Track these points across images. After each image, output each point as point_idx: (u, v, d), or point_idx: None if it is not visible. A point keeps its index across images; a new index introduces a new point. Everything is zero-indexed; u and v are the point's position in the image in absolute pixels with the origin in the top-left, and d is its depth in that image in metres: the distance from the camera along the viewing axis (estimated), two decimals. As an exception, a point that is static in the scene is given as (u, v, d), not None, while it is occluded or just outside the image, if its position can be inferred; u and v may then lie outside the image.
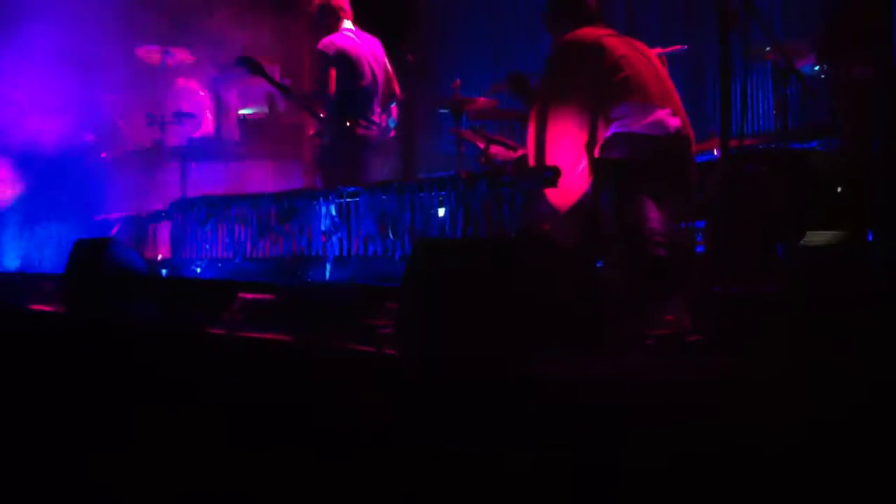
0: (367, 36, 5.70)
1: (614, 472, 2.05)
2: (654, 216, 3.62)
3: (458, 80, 5.50)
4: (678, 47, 4.71)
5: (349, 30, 5.63)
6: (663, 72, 3.96)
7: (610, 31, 4.01)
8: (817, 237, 3.39)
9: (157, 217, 5.81)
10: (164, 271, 5.22)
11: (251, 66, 5.61)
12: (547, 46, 4.30)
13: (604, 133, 3.75)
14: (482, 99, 5.53)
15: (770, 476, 1.89)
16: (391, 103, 5.80)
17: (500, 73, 5.90)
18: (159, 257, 5.56)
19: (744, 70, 4.15)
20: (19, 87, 6.98)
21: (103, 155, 7.11)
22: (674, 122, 3.76)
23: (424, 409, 2.47)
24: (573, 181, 3.79)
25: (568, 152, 3.82)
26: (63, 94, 7.10)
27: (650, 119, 3.72)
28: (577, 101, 3.82)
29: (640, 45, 4.01)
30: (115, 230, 5.85)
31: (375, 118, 5.66)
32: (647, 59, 3.92)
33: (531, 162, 4.02)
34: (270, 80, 5.69)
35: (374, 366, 2.82)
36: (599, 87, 3.78)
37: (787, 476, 1.88)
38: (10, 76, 6.96)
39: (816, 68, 4.77)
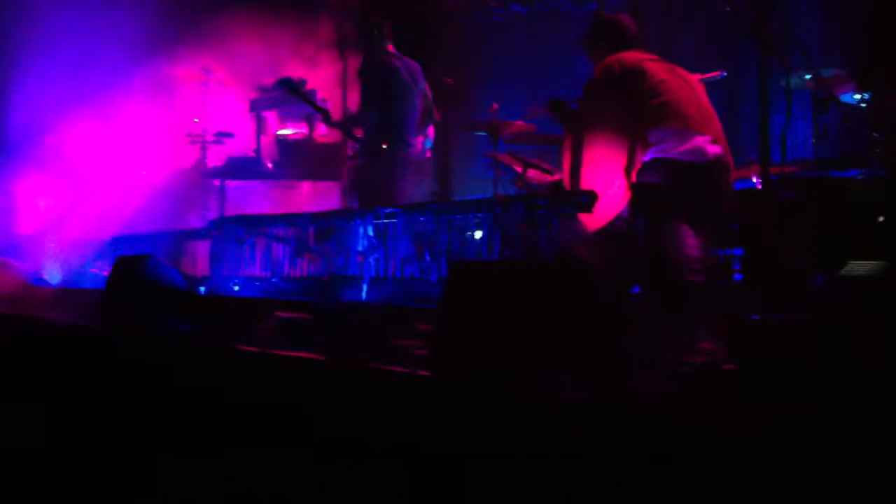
0: (407, 59, 5.75)
1: (639, 488, 2.04)
2: (691, 243, 3.60)
3: (496, 105, 5.53)
4: (716, 73, 4.70)
5: (392, 52, 5.70)
6: (704, 98, 3.94)
7: (651, 56, 4.00)
8: (857, 267, 3.36)
9: (196, 235, 5.88)
10: (202, 289, 5.28)
11: (291, 88, 5.69)
12: (584, 71, 4.30)
13: (641, 157, 3.74)
14: (519, 122, 5.55)
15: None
16: (428, 125, 5.84)
17: (536, 97, 5.92)
18: (197, 275, 5.62)
19: (783, 97, 4.13)
20: (64, 106, 7.11)
21: (143, 172, 7.22)
22: (713, 150, 3.74)
23: (457, 431, 2.47)
24: (605, 203, 3.79)
25: (603, 174, 3.81)
26: (107, 112, 7.22)
27: (689, 145, 3.71)
28: (616, 123, 3.81)
29: (682, 70, 4.00)
30: (154, 247, 5.92)
31: (412, 140, 5.70)
32: (688, 85, 3.91)
33: (566, 183, 4.02)
34: (309, 102, 5.76)
35: (408, 387, 2.82)
36: (638, 111, 3.76)
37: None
38: (54, 95, 7.08)
39: (856, 97, 4.73)
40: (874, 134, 4.51)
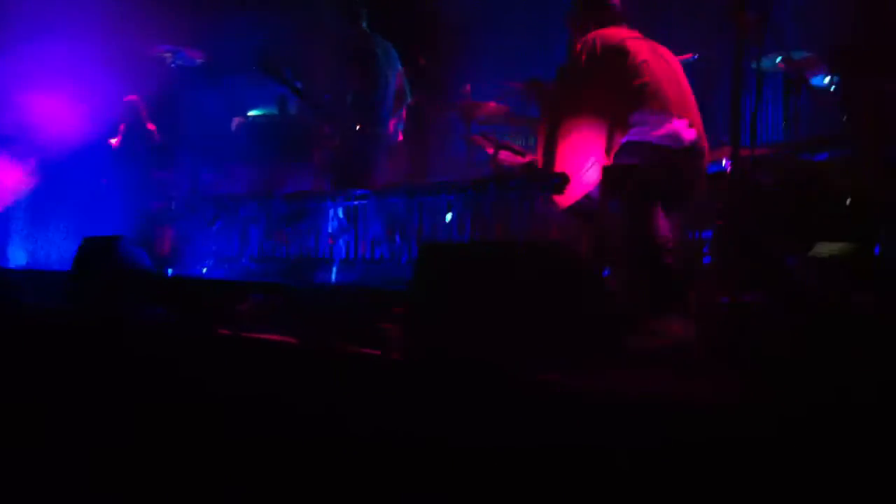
0: (382, 39, 5.71)
1: (610, 476, 2.05)
2: (662, 225, 3.61)
3: (469, 86, 5.51)
4: (688, 56, 4.70)
5: (366, 33, 5.65)
6: (684, 80, 3.91)
7: (634, 34, 3.93)
8: (825, 248, 3.38)
9: (165, 216, 5.82)
10: (170, 270, 5.23)
11: (265, 65, 5.62)
12: (559, 53, 4.28)
13: (619, 138, 3.72)
14: (492, 104, 5.53)
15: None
16: (402, 107, 5.81)
17: (510, 78, 5.91)
18: (167, 256, 5.57)
19: (755, 80, 4.13)
20: (29, 83, 7.00)
21: (112, 143, 7.11)
22: (689, 135, 3.74)
23: (429, 411, 2.47)
24: (579, 183, 3.78)
25: (579, 154, 3.79)
26: (74, 91, 7.12)
27: (666, 130, 3.70)
28: (594, 102, 3.77)
29: (664, 50, 3.95)
30: (123, 228, 5.86)
31: (386, 121, 5.67)
32: (669, 66, 3.87)
33: (540, 161, 3.99)
34: (283, 80, 5.69)
35: (380, 369, 2.82)
36: (619, 90, 3.73)
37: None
38: (19, 72, 6.97)
39: (827, 80, 4.75)
40: (846, 117, 4.53)
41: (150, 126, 7.19)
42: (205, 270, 5.12)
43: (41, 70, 6.97)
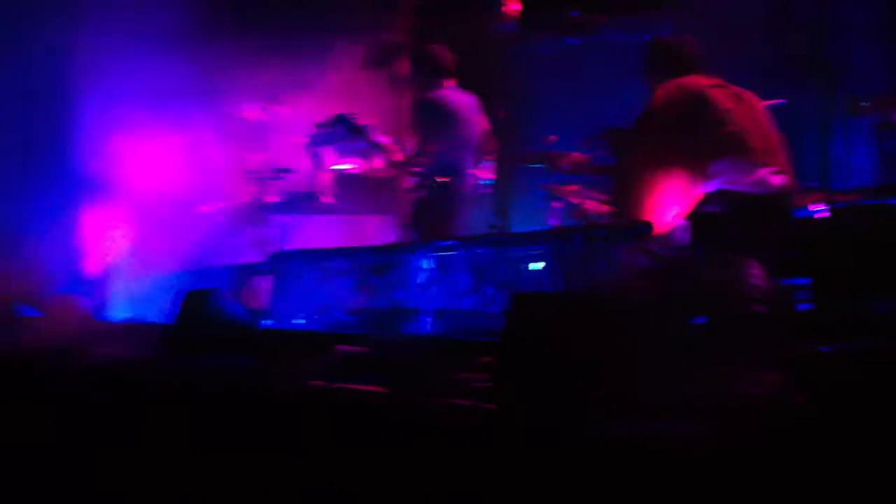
0: (466, 93, 5.80)
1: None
2: (755, 273, 3.57)
3: (554, 136, 5.56)
4: (775, 101, 4.66)
5: (450, 87, 5.75)
6: (770, 125, 3.87)
7: (715, 81, 3.91)
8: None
9: (258, 269, 5.97)
10: (264, 322, 5.35)
11: (348, 124, 5.76)
12: (640, 100, 4.28)
13: (702, 186, 3.71)
14: (575, 154, 5.56)
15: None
16: (486, 159, 5.88)
17: (592, 128, 5.94)
18: (259, 309, 5.70)
19: (842, 124, 4.08)
20: (130, 142, 7.29)
21: (206, 209, 7.36)
22: (777, 181, 3.71)
23: (522, 463, 2.47)
24: (660, 229, 3.76)
25: (659, 201, 3.78)
26: (172, 149, 7.38)
27: (753, 177, 3.67)
28: (676, 150, 3.77)
29: (749, 95, 3.91)
30: (217, 282, 6.02)
31: (470, 173, 5.74)
32: (754, 112, 3.84)
33: (621, 213, 3.99)
34: (366, 137, 5.82)
35: (471, 420, 2.83)
36: (701, 139, 3.72)
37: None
38: (116, 132, 7.26)
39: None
40: None
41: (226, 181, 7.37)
42: (298, 322, 5.22)
43: (135, 127, 7.24)
